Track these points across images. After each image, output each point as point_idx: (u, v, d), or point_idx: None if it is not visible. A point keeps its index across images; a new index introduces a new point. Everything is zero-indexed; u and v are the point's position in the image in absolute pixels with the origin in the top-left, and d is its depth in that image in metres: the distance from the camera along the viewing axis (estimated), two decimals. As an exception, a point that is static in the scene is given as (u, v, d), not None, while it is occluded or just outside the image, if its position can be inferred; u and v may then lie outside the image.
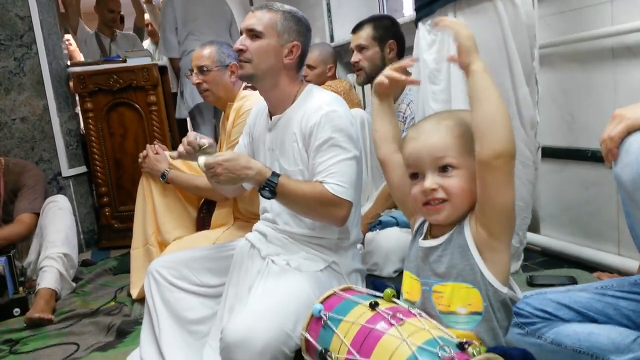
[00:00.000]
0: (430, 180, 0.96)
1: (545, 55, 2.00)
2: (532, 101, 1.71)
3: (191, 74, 2.19)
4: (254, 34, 1.45)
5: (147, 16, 4.86)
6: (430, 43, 1.78)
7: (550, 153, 2.04)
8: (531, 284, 1.76)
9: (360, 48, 2.22)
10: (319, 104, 1.42)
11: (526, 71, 1.68)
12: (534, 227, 2.17)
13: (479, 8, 1.63)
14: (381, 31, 2.21)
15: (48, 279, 2.26)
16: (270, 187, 1.36)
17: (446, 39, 1.67)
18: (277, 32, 1.46)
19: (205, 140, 1.44)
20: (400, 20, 2.71)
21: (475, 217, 0.94)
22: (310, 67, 2.96)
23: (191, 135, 1.46)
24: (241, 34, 1.49)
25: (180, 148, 1.48)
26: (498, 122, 0.88)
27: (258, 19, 1.46)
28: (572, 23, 1.87)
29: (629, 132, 1.07)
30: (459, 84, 1.63)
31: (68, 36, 4.24)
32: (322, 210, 1.38)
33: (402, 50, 2.26)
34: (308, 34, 1.53)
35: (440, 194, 0.95)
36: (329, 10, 3.73)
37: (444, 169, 0.96)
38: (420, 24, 1.82)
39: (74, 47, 4.38)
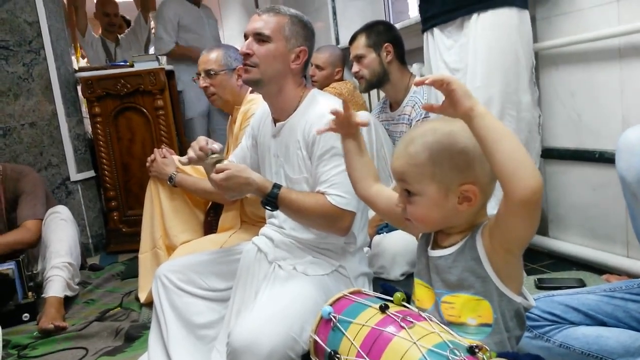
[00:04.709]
0: (399, 199, 1.00)
1: (551, 56, 2.00)
2: (534, 105, 1.86)
3: (198, 78, 2.20)
4: (261, 38, 1.42)
5: (153, 23, 4.87)
6: (449, 46, 1.87)
7: (557, 154, 2.04)
8: (539, 286, 1.75)
9: (358, 58, 2.28)
10: (322, 112, 1.39)
11: (530, 79, 1.84)
12: (542, 230, 2.16)
13: (501, 13, 1.75)
14: (374, 37, 2.25)
15: (56, 288, 2.26)
16: (271, 201, 1.37)
17: (471, 42, 1.78)
18: (285, 36, 1.43)
19: (217, 146, 1.44)
20: (405, 22, 2.73)
21: (491, 236, 0.92)
22: (319, 67, 2.98)
23: (202, 140, 1.44)
24: (245, 37, 1.46)
25: (191, 153, 1.44)
26: (524, 157, 0.82)
27: (265, 22, 1.43)
28: (577, 23, 1.87)
29: None
30: (477, 81, 1.78)
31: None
32: (324, 221, 1.39)
33: (402, 51, 2.28)
34: (313, 39, 1.52)
35: (406, 215, 0.99)
36: (334, 13, 3.73)
37: (408, 192, 0.97)
38: (436, 30, 1.89)
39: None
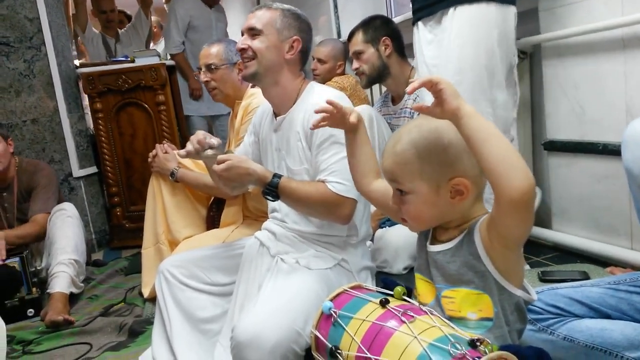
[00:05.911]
0: (393, 199, 1.00)
1: (555, 47, 1.98)
2: (512, 104, 1.77)
3: (199, 72, 2.20)
4: (254, 33, 1.48)
5: (153, 18, 4.86)
6: (429, 40, 1.82)
7: (560, 147, 2.02)
8: (543, 279, 1.74)
9: (357, 54, 2.27)
10: (319, 102, 1.39)
11: (507, 77, 1.75)
12: (545, 222, 2.15)
13: (477, 8, 1.67)
14: (372, 32, 2.24)
15: (61, 284, 2.28)
16: (272, 190, 1.38)
17: (446, 37, 1.71)
18: (277, 29, 1.48)
19: (215, 140, 1.45)
20: (406, 15, 2.71)
21: (489, 232, 0.91)
22: (320, 61, 2.96)
23: (200, 134, 1.47)
24: (242, 35, 1.51)
25: (189, 146, 1.47)
26: (513, 158, 0.80)
27: (258, 18, 1.49)
28: (581, 14, 1.85)
29: None
30: (449, 76, 1.69)
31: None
32: (326, 209, 1.39)
33: (400, 44, 2.26)
34: (309, 31, 1.55)
35: (401, 214, 1.00)
36: (335, 7, 3.71)
37: (400, 192, 0.97)
38: (420, 24, 1.85)
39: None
